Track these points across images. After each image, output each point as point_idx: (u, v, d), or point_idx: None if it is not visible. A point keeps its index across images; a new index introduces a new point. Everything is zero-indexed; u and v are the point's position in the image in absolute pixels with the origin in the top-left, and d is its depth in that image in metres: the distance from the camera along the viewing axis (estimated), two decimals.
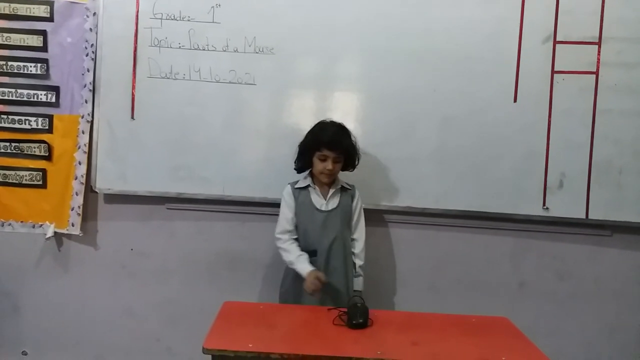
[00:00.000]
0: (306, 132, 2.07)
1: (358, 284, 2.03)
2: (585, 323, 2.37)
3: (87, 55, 2.27)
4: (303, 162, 2.03)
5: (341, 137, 1.97)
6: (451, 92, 2.24)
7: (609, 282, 2.35)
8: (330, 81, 2.25)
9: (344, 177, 2.09)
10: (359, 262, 2.05)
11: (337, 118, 2.09)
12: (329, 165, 1.95)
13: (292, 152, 2.11)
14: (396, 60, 2.23)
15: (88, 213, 2.34)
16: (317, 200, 2.02)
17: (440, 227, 2.32)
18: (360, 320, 1.58)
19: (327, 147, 1.94)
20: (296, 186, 2.04)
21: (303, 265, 1.91)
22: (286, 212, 2.01)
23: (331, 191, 2.02)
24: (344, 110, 2.22)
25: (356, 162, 2.04)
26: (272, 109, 2.27)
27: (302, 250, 1.97)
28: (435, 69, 2.23)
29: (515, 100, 2.23)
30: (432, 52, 2.22)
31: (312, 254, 1.96)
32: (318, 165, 1.98)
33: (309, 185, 2.03)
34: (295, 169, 2.06)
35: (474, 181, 2.26)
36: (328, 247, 1.96)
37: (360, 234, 2.07)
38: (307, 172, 2.05)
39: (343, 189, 2.04)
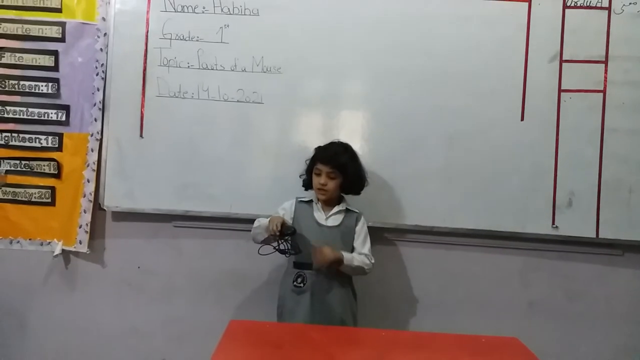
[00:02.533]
0: (312, 150, 2.09)
1: (350, 257, 1.90)
2: (597, 344, 2.33)
3: (97, 74, 2.30)
4: (307, 177, 2.05)
5: (338, 153, 1.96)
6: (457, 110, 2.24)
7: (620, 302, 2.32)
8: (336, 100, 2.26)
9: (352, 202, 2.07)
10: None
11: (343, 136, 2.12)
12: (322, 179, 1.94)
13: (299, 170, 2.13)
14: (402, 79, 2.24)
15: (96, 231, 2.35)
16: (318, 214, 2.01)
17: (448, 246, 2.31)
18: (288, 232, 1.77)
19: (321, 161, 1.95)
20: (300, 199, 2.05)
21: (267, 219, 1.88)
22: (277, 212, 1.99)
23: (334, 209, 2.00)
24: (350, 129, 2.23)
25: (360, 185, 2.01)
26: (280, 127, 2.29)
27: (296, 262, 1.95)
28: (441, 88, 2.23)
29: (522, 119, 2.23)
30: (437, 71, 2.23)
31: (306, 267, 1.93)
32: (314, 180, 1.98)
33: (312, 200, 2.03)
34: (303, 185, 2.07)
35: (481, 199, 2.25)
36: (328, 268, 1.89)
37: (365, 249, 1.97)
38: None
39: (348, 211, 2.01)
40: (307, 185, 2.05)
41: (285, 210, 2.01)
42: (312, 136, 2.22)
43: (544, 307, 2.32)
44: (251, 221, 2.16)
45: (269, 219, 1.89)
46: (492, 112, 2.23)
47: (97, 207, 2.31)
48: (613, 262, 2.30)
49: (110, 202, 2.29)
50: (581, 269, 2.31)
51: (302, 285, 1.93)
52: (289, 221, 1.92)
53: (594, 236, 2.23)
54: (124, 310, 2.37)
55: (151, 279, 2.37)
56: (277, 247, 1.87)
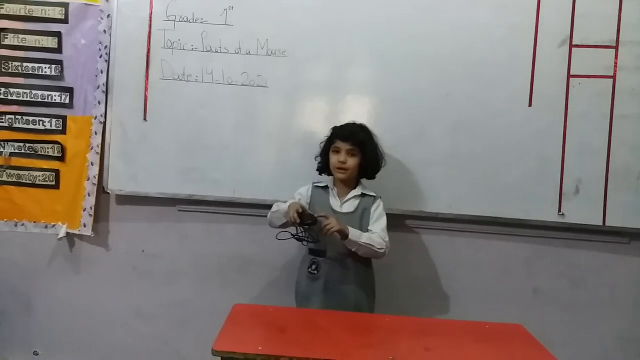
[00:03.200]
0: (318, 134, 2.11)
1: (357, 232, 1.84)
2: (601, 332, 2.32)
3: (100, 57, 2.28)
4: (322, 159, 2.01)
5: (357, 131, 1.94)
6: (464, 96, 2.21)
7: (626, 291, 2.31)
8: (342, 84, 2.24)
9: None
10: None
11: (348, 121, 2.07)
12: (341, 157, 1.91)
13: (303, 155, 2.14)
14: (408, 64, 2.21)
15: (100, 214, 2.35)
16: (334, 201, 1.98)
17: (454, 233, 2.30)
18: (308, 222, 1.75)
19: (340, 139, 1.92)
20: (317, 184, 2.02)
21: (287, 203, 1.85)
22: (294, 198, 1.97)
23: (350, 195, 1.97)
24: (356, 114, 2.18)
25: (377, 166, 1.99)
26: (284, 111, 2.27)
27: (310, 250, 1.94)
28: (448, 73, 2.21)
29: (530, 105, 2.21)
30: (444, 56, 2.20)
31: (320, 254, 1.92)
32: (332, 159, 1.95)
33: (328, 186, 2.00)
34: (317, 169, 2.05)
35: (487, 186, 2.23)
36: (338, 251, 1.89)
37: (378, 227, 1.91)
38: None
39: (365, 196, 1.97)
40: (323, 167, 2.02)
41: (302, 195, 1.99)
42: (317, 121, 2.22)
43: (549, 294, 2.32)
44: (255, 206, 2.26)
45: (288, 204, 1.86)
46: (500, 98, 2.21)
47: (102, 190, 2.31)
48: (619, 250, 2.29)
49: (115, 185, 2.29)
50: (587, 257, 2.30)
51: (316, 272, 1.92)
52: (306, 207, 1.88)
53: (601, 224, 2.21)
54: (128, 293, 2.38)
55: (155, 262, 2.37)
56: (295, 235, 1.85)
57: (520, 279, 2.32)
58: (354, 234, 1.83)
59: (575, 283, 2.32)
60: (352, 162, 1.92)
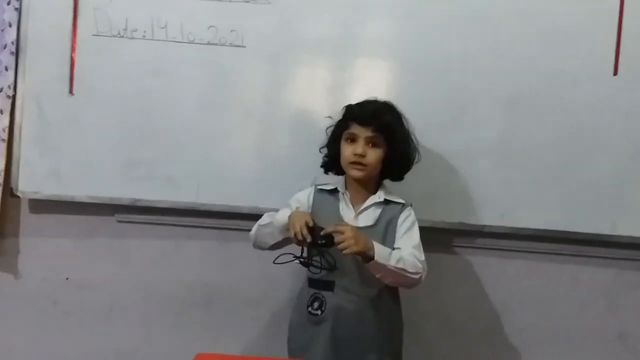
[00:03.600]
0: (316, 114, 2.00)
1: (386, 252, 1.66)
2: None
3: (8, 3, 2.08)
4: (330, 150, 1.84)
5: (381, 110, 1.73)
6: (522, 61, 2.03)
7: None
8: (350, 44, 2.08)
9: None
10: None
11: (358, 95, 1.90)
12: (358, 147, 1.69)
13: (293, 142, 2.06)
14: (443, 16, 2.05)
15: (6, 226, 2.20)
16: (345, 210, 1.77)
17: (507, 253, 2.14)
18: (323, 241, 1.60)
19: (358, 122, 1.72)
20: (321, 187, 1.85)
21: (283, 213, 1.72)
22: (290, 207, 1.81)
23: (368, 202, 1.76)
24: (369, 86, 2.00)
25: (409, 161, 1.80)
26: (268, 81, 2.11)
27: (310, 281, 1.76)
28: (500, 29, 2.03)
29: (615, 73, 2.02)
30: (494, 5, 2.03)
31: (326, 287, 1.72)
32: (346, 151, 1.73)
33: (337, 190, 1.82)
34: (322, 165, 1.87)
35: (555, 188, 2.05)
36: (352, 280, 1.71)
37: (408, 244, 1.74)
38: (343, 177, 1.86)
39: (389, 204, 1.78)
40: (331, 162, 1.85)
41: (301, 204, 1.82)
42: (315, 95, 2.07)
43: None
44: (226, 215, 2.13)
45: (285, 213, 1.70)
46: (572, 64, 2.02)
47: (9, 192, 2.14)
48: None
49: (27, 185, 2.13)
50: None
51: (319, 312, 1.73)
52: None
53: None
54: (46, 337, 2.22)
55: (85, 295, 2.21)
56: (301, 258, 1.69)
57: (600, 318, 2.16)
58: (380, 254, 1.61)
59: None
60: (373, 155, 1.72)
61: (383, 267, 1.61)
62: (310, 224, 1.60)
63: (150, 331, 2.19)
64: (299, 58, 2.07)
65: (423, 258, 1.69)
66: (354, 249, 1.55)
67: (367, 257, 1.58)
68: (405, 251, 1.69)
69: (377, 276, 1.64)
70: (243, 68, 2.06)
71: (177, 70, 2.06)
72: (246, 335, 2.17)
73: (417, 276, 1.66)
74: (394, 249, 1.71)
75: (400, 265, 1.63)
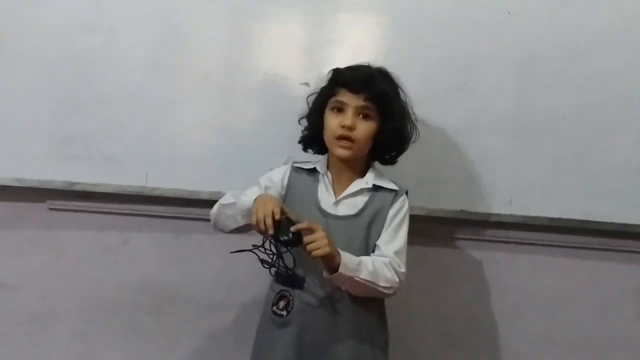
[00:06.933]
0: (290, 79, 2.08)
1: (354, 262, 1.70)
2: None
3: None
4: (311, 122, 1.88)
5: (375, 77, 1.77)
6: (539, 14, 2.09)
7: None
8: None
9: None
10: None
11: (341, 57, 1.96)
12: (347, 118, 1.73)
13: (264, 113, 2.11)
14: None
15: None
16: (324, 195, 1.82)
17: (517, 247, 2.21)
18: (286, 238, 1.63)
19: (348, 88, 1.75)
20: (298, 165, 1.90)
21: (252, 192, 1.78)
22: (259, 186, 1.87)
23: (353, 186, 1.82)
24: (355, 43, 2.08)
25: (405, 139, 1.84)
26: (230, 37, 2.15)
27: (280, 277, 1.81)
28: None
29: None
30: None
31: (295, 284, 1.77)
32: (331, 123, 1.77)
33: (316, 170, 1.86)
34: (300, 141, 1.91)
35: (575, 170, 2.12)
36: (326, 279, 1.70)
37: (390, 248, 1.77)
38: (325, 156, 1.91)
39: (379, 190, 1.82)
40: (312, 138, 1.89)
41: (273, 183, 1.86)
42: (289, 56, 2.12)
43: None
44: (182, 201, 2.17)
45: (253, 194, 1.74)
46: (597, 21, 2.08)
47: None
48: None
49: None
50: None
51: (284, 313, 1.77)
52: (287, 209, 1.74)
53: None
54: None
55: (10, 298, 2.26)
56: (259, 251, 1.72)
57: (625, 321, 2.24)
58: (346, 263, 1.66)
59: None
60: (363, 128, 1.75)
61: (349, 279, 1.66)
62: (277, 216, 1.62)
63: (89, 343, 2.24)
64: (267, 10, 2.10)
65: (403, 269, 1.74)
66: (325, 251, 1.59)
67: (332, 266, 1.63)
68: (382, 258, 1.74)
69: (343, 288, 1.70)
70: (199, 18, 2.10)
71: (120, 25, 2.09)
72: (205, 346, 2.23)
73: (389, 290, 1.72)
74: (374, 247, 1.78)
75: (369, 279, 1.68)
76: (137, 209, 2.20)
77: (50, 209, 2.20)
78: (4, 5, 2.08)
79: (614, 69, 2.08)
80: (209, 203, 1.92)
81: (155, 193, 2.14)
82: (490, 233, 2.19)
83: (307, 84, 1.97)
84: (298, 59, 2.11)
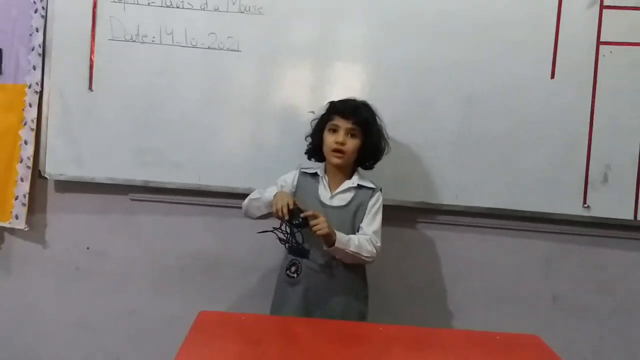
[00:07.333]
0: (301, 108, 2.19)
1: (345, 238, 1.83)
2: (631, 344, 2.36)
3: (35, 11, 2.25)
4: (313, 140, 2.00)
5: (360, 107, 1.93)
6: (476, 65, 2.23)
7: None
8: (330, 49, 2.25)
9: None
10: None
11: (337, 93, 2.09)
12: (339, 136, 1.90)
13: (281, 133, 2.20)
14: (410, 25, 2.22)
15: (36, 203, 2.34)
16: (323, 192, 1.97)
17: (462, 228, 2.32)
18: (297, 222, 1.76)
19: (340, 115, 1.91)
20: (304, 170, 2.02)
21: (271, 190, 1.89)
22: (277, 185, 1.97)
23: (343, 186, 1.96)
24: (347, 85, 2.20)
25: (380, 152, 1.98)
26: (260, 80, 2.27)
27: (290, 249, 1.92)
28: (457, 37, 2.22)
29: (552, 77, 2.22)
30: (453, 17, 2.22)
31: (302, 255, 1.90)
32: (328, 139, 1.93)
33: (318, 174, 1.99)
34: (306, 152, 2.04)
35: (501, 173, 2.25)
36: (324, 252, 1.87)
37: (370, 229, 1.91)
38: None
39: (361, 188, 1.96)
40: (315, 150, 2.01)
41: (286, 183, 1.98)
42: (300, 92, 2.24)
43: (572, 301, 2.36)
44: (224, 195, 2.27)
45: (273, 192, 1.88)
46: (518, 68, 2.23)
47: (37, 174, 2.30)
48: None
49: (53, 169, 2.29)
50: (615, 258, 2.34)
51: (295, 275, 1.92)
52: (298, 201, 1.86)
53: (632, 218, 2.25)
54: (70, 299, 2.38)
55: (103, 262, 2.37)
56: (277, 231, 1.85)
57: (538, 283, 2.35)
58: (340, 240, 1.82)
59: (602, 288, 2.36)
60: (351, 143, 1.91)
61: (342, 251, 1.82)
62: (291, 207, 1.76)
63: (159, 294, 2.36)
64: (285, 61, 2.24)
65: (379, 244, 1.89)
66: (325, 231, 1.75)
67: (330, 240, 1.79)
68: (364, 236, 1.88)
69: (337, 257, 1.85)
70: (238, 69, 2.23)
71: (182, 71, 2.23)
72: (240, 296, 2.33)
73: (369, 259, 1.87)
74: (359, 228, 1.93)
75: (356, 251, 1.83)
76: (193, 200, 2.30)
77: (132, 200, 2.32)
78: (101, 53, 2.22)
79: (527, 104, 2.21)
80: (243, 196, 2.02)
81: (205, 189, 2.26)
82: (442, 218, 2.31)
83: (312, 112, 2.07)
84: (306, 94, 2.22)
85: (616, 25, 2.20)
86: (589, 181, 2.24)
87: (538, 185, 2.25)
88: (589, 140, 2.23)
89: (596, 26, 2.21)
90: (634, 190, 2.25)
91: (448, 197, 2.27)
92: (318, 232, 1.77)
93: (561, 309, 2.36)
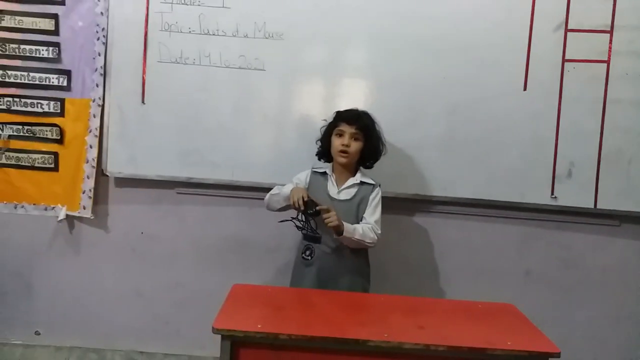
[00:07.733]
0: (315, 117, 2.17)
1: (351, 227, 1.84)
2: (592, 312, 2.37)
3: (98, 39, 2.28)
4: (323, 143, 2.01)
5: (361, 116, 1.95)
6: (460, 79, 2.23)
7: (616, 272, 2.36)
8: (338, 67, 2.26)
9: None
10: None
11: (344, 104, 2.11)
12: (345, 140, 1.91)
13: (299, 138, 2.20)
14: (405, 47, 2.22)
15: (99, 196, 2.36)
16: (331, 187, 1.97)
17: (447, 215, 2.33)
18: (311, 211, 1.77)
19: (345, 121, 1.92)
20: (315, 170, 2.02)
21: (288, 186, 1.89)
22: (293, 183, 1.98)
23: (348, 182, 1.96)
24: (352, 97, 2.22)
25: (379, 153, 1.99)
26: (281, 94, 2.28)
27: (305, 236, 1.94)
28: (444, 56, 2.22)
29: (525, 89, 2.22)
30: (441, 39, 2.22)
31: (315, 240, 1.92)
32: (335, 142, 1.94)
33: (326, 172, 1.99)
34: (316, 154, 2.05)
35: (481, 169, 2.26)
36: (333, 238, 1.87)
37: (372, 219, 1.92)
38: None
39: (363, 184, 1.96)
40: (324, 152, 2.02)
41: (300, 181, 1.99)
42: (314, 104, 2.26)
43: (541, 275, 2.36)
44: (252, 189, 2.28)
45: (289, 187, 1.88)
46: (495, 82, 2.23)
47: (100, 172, 2.33)
48: (610, 232, 2.33)
49: (113, 168, 2.31)
50: (578, 239, 2.35)
51: (309, 258, 1.93)
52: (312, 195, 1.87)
53: (592, 207, 2.25)
54: (128, 274, 2.40)
55: (154, 244, 2.39)
56: (296, 219, 1.87)
57: (512, 260, 2.36)
58: (347, 229, 1.84)
59: (567, 264, 2.37)
60: (355, 146, 1.92)
61: (348, 239, 1.84)
62: (306, 199, 1.78)
63: (199, 270, 2.37)
64: (302, 78, 2.25)
65: (380, 231, 1.91)
66: (335, 223, 1.78)
67: (339, 231, 1.82)
68: (367, 225, 1.88)
69: (344, 243, 1.87)
70: (263, 85, 2.24)
71: (217, 87, 2.24)
72: (264, 274, 2.34)
73: (372, 244, 1.89)
74: (362, 218, 1.93)
75: (360, 238, 1.85)
76: (227, 193, 2.31)
77: (177, 193, 2.33)
78: (152, 73, 2.22)
79: (503, 112, 2.21)
80: (268, 189, 2.04)
81: (237, 184, 2.28)
82: (433, 207, 2.31)
83: (325, 120, 2.05)
84: (319, 106, 2.23)
85: (579, 45, 2.21)
86: (555, 176, 2.25)
87: (513, 179, 2.26)
88: (555, 141, 2.24)
89: (562, 46, 2.22)
90: (594, 183, 2.25)
91: (437, 190, 2.28)
92: (329, 224, 1.79)
93: (532, 281, 2.37)
